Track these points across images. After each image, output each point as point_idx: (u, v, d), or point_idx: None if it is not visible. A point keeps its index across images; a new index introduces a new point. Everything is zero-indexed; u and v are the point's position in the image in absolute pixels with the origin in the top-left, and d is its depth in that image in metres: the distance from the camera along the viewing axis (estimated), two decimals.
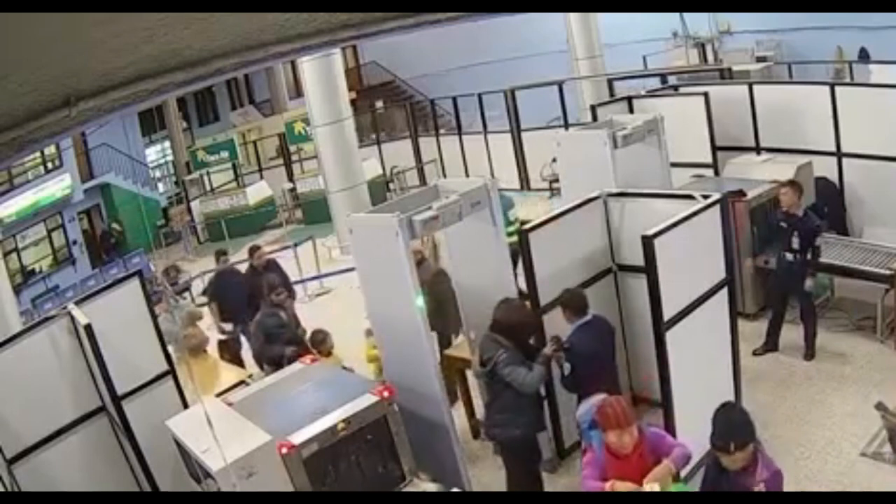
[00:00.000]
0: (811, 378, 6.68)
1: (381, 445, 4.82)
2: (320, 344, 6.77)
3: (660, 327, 5.24)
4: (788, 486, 3.99)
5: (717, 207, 5.57)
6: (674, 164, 8.06)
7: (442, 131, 17.55)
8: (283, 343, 6.57)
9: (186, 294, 11.61)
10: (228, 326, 8.75)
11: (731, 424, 3.63)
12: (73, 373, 5.28)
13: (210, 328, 9.24)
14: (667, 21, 19.69)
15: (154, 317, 5.68)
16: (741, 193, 7.66)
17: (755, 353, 7.05)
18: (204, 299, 10.00)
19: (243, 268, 9.67)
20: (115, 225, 21.41)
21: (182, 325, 8.05)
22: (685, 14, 19.13)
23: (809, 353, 6.93)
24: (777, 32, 18.36)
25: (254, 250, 9.09)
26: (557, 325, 5.57)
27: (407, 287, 5.18)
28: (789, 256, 6.87)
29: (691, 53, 19.93)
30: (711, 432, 3.65)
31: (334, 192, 13.10)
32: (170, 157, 24.08)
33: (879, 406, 4.71)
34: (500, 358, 5.01)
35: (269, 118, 24.37)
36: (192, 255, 17.12)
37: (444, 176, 15.52)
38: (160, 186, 23.87)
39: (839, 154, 8.49)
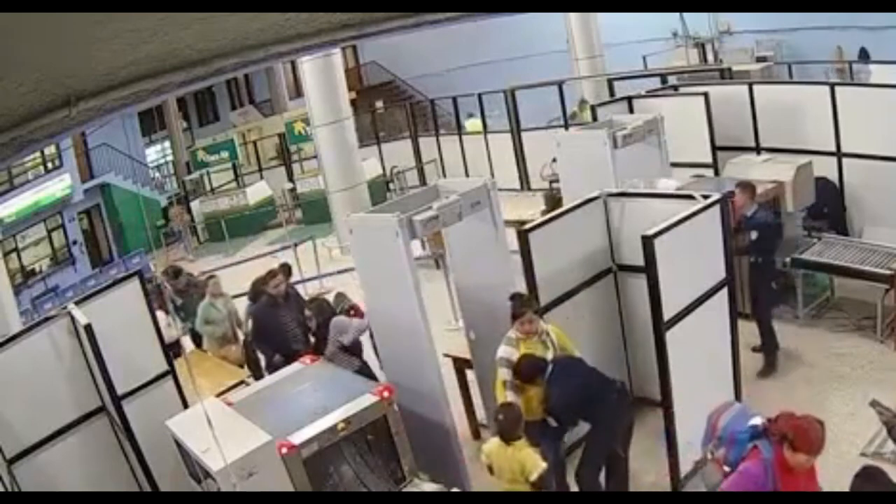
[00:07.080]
0: (811, 378, 6.68)
1: (381, 445, 4.83)
2: None
3: (660, 327, 5.23)
4: None
5: (717, 207, 5.57)
6: (674, 164, 8.06)
7: (442, 131, 17.53)
8: None
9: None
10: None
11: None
12: (73, 373, 5.29)
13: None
14: (667, 21, 19.65)
15: (154, 317, 5.69)
16: None
17: (754, 350, 7.02)
18: None
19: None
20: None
21: (216, 348, 8.04)
22: (685, 14, 19.09)
23: (761, 347, 6.91)
24: (777, 32, 18.30)
25: (270, 276, 7.19)
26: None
27: (407, 287, 5.18)
28: (750, 258, 6.86)
29: (691, 53, 19.89)
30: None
31: (334, 192, 13.09)
32: (170, 157, 24.05)
33: (874, 403, 4.71)
34: None
35: (269, 118, 24.30)
36: (191, 255, 17.11)
37: (444, 176, 15.52)
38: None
39: (839, 154, 8.48)
